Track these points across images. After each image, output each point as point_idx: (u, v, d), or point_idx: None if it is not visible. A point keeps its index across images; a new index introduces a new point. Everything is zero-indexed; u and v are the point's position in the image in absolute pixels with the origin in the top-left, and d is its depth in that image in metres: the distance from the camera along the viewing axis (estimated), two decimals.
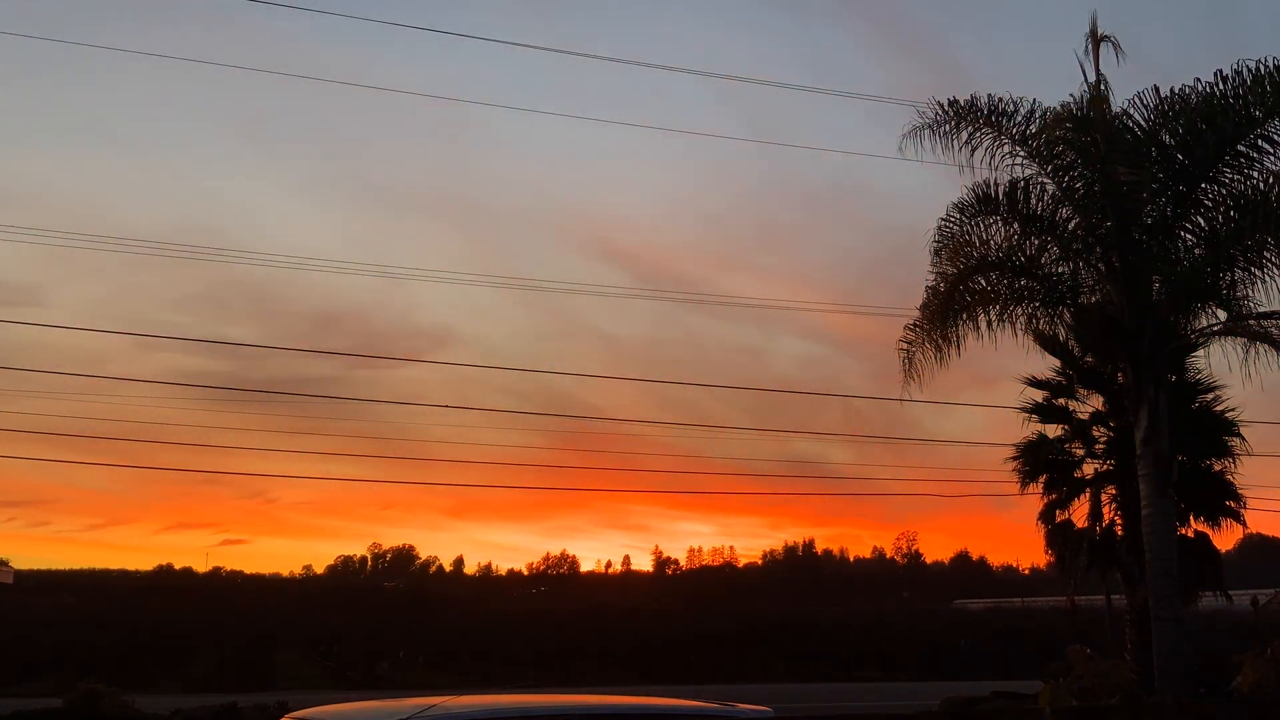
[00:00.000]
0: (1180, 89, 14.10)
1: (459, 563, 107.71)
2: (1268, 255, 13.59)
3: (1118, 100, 14.92)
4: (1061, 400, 17.35)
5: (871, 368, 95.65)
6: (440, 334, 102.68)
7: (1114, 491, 16.67)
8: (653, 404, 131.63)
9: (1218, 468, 16.43)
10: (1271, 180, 13.59)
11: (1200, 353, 15.54)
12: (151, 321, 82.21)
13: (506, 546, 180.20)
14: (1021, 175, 14.97)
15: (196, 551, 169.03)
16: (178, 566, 77.89)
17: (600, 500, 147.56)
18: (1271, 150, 13.75)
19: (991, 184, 14.96)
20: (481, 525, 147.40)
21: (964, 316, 14.68)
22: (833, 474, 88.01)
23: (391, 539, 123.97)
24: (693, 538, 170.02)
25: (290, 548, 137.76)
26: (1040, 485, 17.02)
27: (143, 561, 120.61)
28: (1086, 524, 16.70)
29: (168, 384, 60.12)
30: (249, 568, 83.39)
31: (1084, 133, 14.34)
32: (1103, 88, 15.00)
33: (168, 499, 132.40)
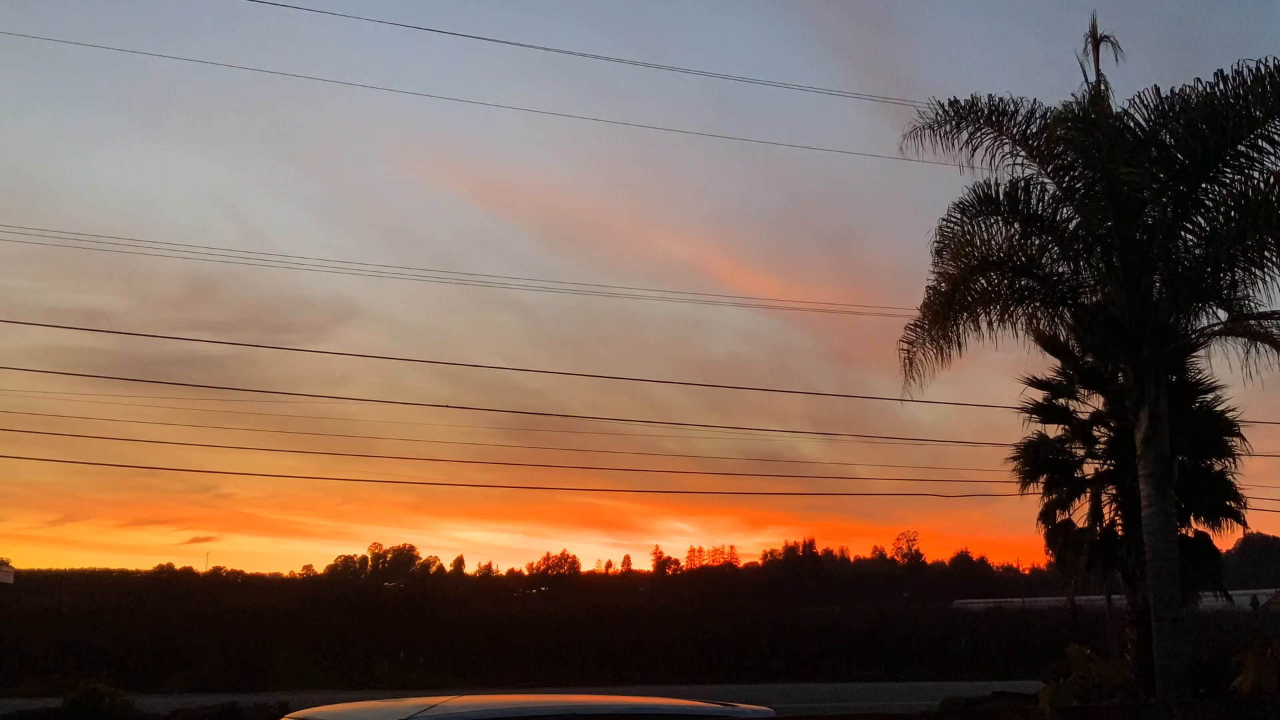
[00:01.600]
0: (1180, 89, 14.05)
1: (459, 563, 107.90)
2: (1268, 255, 13.53)
3: (1118, 100, 14.92)
4: (1062, 400, 17.38)
5: (819, 342, 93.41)
6: (340, 308, 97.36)
7: (1114, 491, 16.69)
8: (592, 389, 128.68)
9: (1218, 468, 16.44)
10: (1272, 180, 13.54)
11: (1200, 353, 15.53)
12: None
13: (486, 545, 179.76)
14: (1022, 175, 14.94)
15: (163, 549, 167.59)
16: (153, 564, 77.34)
17: (566, 497, 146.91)
18: (1272, 150, 13.69)
19: (992, 184, 14.92)
20: (448, 520, 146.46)
21: (965, 316, 14.65)
22: (812, 473, 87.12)
23: (363, 536, 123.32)
24: (676, 535, 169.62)
25: (257, 545, 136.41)
26: (1040, 485, 17.04)
27: (108, 560, 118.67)
28: (1087, 524, 16.71)
29: (129, 379, 57.73)
30: (231, 566, 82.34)
31: (1085, 132, 14.30)
32: (1103, 87, 15.00)
33: (119, 493, 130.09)
